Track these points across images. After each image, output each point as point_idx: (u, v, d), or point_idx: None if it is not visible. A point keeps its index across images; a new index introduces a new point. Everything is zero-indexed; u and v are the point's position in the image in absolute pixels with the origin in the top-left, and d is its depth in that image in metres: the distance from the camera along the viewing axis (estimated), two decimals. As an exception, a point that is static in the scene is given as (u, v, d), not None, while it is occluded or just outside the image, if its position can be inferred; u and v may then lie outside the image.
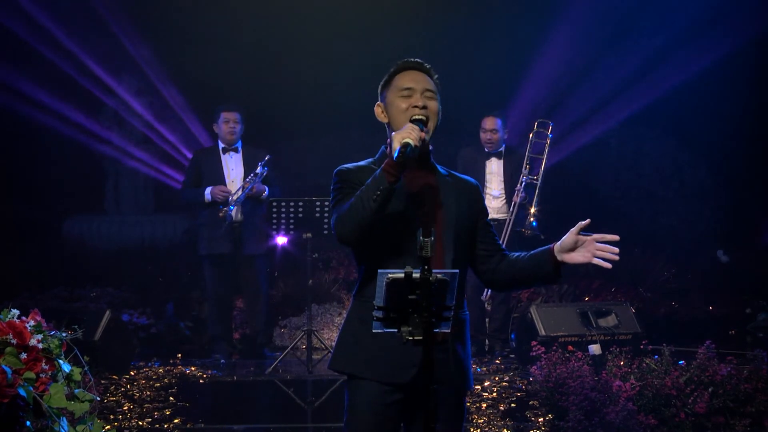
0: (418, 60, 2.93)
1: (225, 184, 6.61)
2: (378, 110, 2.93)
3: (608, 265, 2.72)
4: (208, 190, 6.58)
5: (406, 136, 2.65)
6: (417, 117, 2.77)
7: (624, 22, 8.54)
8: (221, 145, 6.76)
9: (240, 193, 6.50)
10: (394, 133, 2.71)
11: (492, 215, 6.76)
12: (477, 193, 2.97)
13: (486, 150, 6.82)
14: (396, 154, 2.60)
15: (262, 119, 8.15)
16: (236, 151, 6.73)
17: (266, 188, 6.59)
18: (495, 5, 8.56)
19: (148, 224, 9.33)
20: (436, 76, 2.92)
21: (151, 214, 9.59)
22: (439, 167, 2.92)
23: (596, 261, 2.72)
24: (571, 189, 9.06)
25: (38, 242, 8.61)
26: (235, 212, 6.57)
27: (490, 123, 6.75)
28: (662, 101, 8.66)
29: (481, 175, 6.76)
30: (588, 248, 2.73)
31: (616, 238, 2.74)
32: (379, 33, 8.34)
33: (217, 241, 6.59)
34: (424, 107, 2.81)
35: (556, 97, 8.74)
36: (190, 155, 7.75)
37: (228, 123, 6.68)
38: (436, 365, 2.61)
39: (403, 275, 2.26)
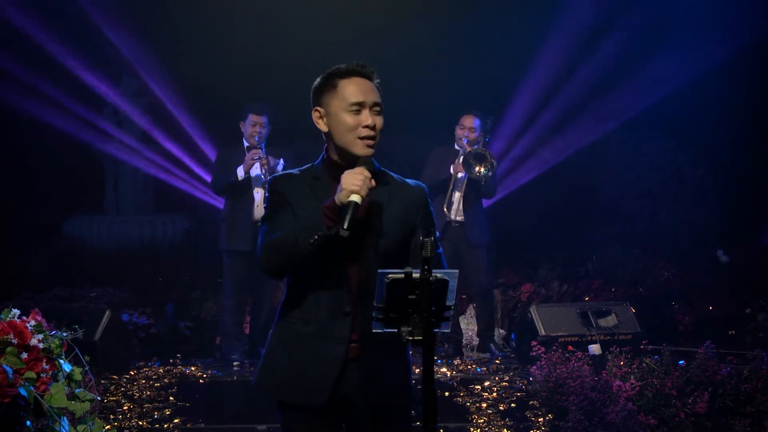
0: (364, 64, 2.66)
1: (249, 183, 6.53)
2: (316, 116, 2.64)
3: None
4: (240, 167, 6.48)
5: (355, 189, 2.42)
6: (366, 155, 2.54)
7: (624, 23, 8.54)
8: (245, 143, 6.64)
9: (258, 168, 6.42)
10: (342, 182, 2.45)
11: (454, 217, 6.70)
12: (419, 201, 2.69)
13: (456, 147, 6.65)
14: (346, 220, 2.38)
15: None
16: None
17: (281, 161, 6.54)
18: (494, 6, 8.55)
19: (148, 224, 9.32)
20: (377, 81, 2.66)
21: (151, 214, 9.59)
22: (382, 174, 2.66)
23: None
24: (571, 189, 9.06)
25: (38, 242, 8.60)
26: (257, 210, 6.49)
27: (468, 120, 6.61)
28: (662, 101, 8.65)
29: (447, 175, 6.61)
30: None
31: None
32: (380, 32, 8.33)
33: (237, 237, 6.54)
34: (373, 126, 2.57)
35: (555, 97, 8.73)
36: (188, 155, 7.72)
37: (255, 126, 6.59)
38: (344, 384, 2.59)
39: (403, 275, 2.26)
